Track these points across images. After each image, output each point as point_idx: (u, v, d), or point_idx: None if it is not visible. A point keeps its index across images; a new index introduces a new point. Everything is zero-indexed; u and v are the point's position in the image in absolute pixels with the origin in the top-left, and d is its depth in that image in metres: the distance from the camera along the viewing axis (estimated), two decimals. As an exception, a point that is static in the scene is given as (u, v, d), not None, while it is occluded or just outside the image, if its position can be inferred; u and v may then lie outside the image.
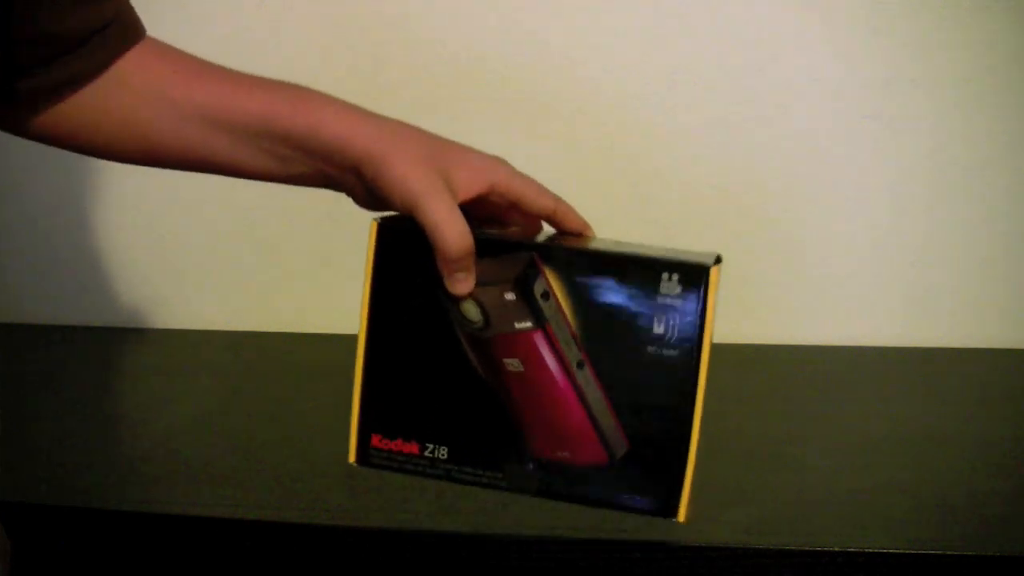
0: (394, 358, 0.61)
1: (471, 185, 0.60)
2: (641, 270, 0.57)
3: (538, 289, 0.58)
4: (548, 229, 0.64)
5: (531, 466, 0.59)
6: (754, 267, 1.07)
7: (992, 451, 0.79)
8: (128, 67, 0.64)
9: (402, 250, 0.60)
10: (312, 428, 0.86)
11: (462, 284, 0.59)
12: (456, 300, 0.59)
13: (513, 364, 0.59)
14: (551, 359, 0.59)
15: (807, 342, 1.07)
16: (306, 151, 0.62)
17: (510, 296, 0.59)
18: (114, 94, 0.64)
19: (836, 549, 0.64)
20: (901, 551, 0.63)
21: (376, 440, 0.61)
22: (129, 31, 0.65)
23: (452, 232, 0.57)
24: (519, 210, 0.62)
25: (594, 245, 0.60)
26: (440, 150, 0.61)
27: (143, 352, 1.13)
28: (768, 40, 1.04)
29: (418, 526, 0.69)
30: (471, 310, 0.59)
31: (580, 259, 0.58)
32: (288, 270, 1.15)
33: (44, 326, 1.19)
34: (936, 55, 1.02)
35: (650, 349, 0.57)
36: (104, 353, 1.11)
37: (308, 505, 0.71)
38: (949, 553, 0.63)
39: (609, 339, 0.58)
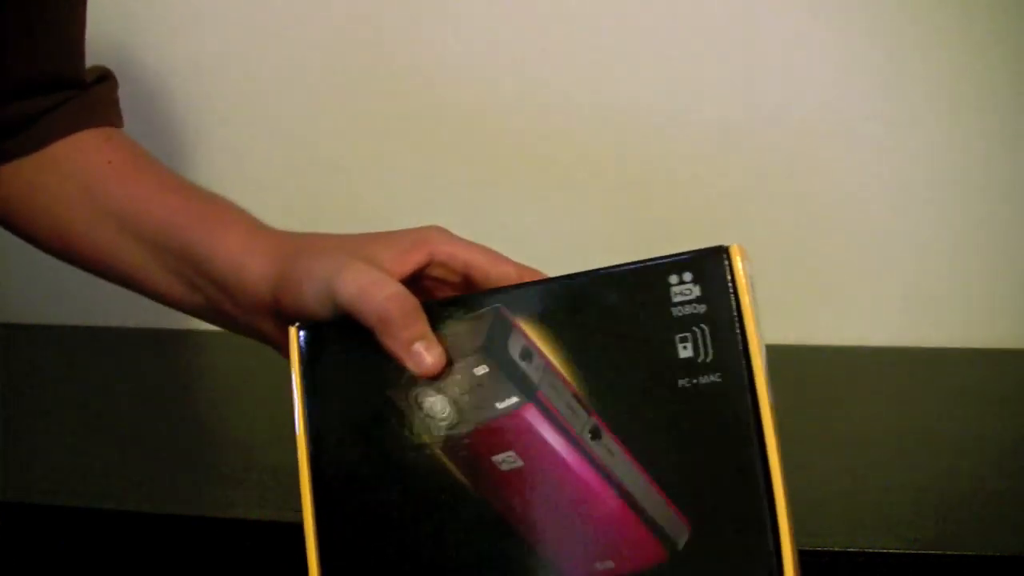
0: (351, 500, 0.46)
1: (404, 260, 0.49)
2: (641, 281, 0.44)
3: (514, 349, 0.44)
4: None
5: None
6: (753, 267, 1.07)
7: (992, 451, 0.79)
8: (65, 152, 0.60)
9: (332, 354, 0.47)
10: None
11: (427, 356, 0.45)
12: (415, 397, 0.45)
13: (507, 460, 0.44)
14: (554, 436, 0.43)
15: (807, 342, 1.07)
16: (203, 275, 0.54)
17: (481, 370, 0.44)
18: (46, 178, 0.60)
19: (836, 549, 0.64)
20: (901, 551, 0.63)
21: None
22: (82, 116, 0.61)
23: (382, 292, 0.46)
24: (473, 284, 0.50)
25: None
26: (358, 241, 0.51)
27: (143, 352, 1.13)
28: (768, 40, 1.04)
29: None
30: (434, 404, 0.45)
31: (559, 293, 0.45)
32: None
33: (44, 326, 1.19)
34: (936, 55, 1.02)
35: (682, 382, 0.43)
36: (104, 353, 1.11)
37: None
38: (949, 553, 0.63)
39: (624, 386, 0.44)
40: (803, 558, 0.65)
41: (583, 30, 1.06)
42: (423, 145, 1.09)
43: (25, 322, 1.18)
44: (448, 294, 0.50)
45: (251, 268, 0.52)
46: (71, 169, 0.60)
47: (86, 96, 0.62)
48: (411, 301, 0.46)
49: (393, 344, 0.45)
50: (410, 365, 0.45)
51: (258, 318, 0.53)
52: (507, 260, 0.50)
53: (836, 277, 1.07)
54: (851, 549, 0.64)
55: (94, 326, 1.18)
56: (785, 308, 1.08)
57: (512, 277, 0.49)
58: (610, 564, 0.42)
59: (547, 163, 1.08)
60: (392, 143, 1.09)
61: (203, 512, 0.71)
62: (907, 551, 0.63)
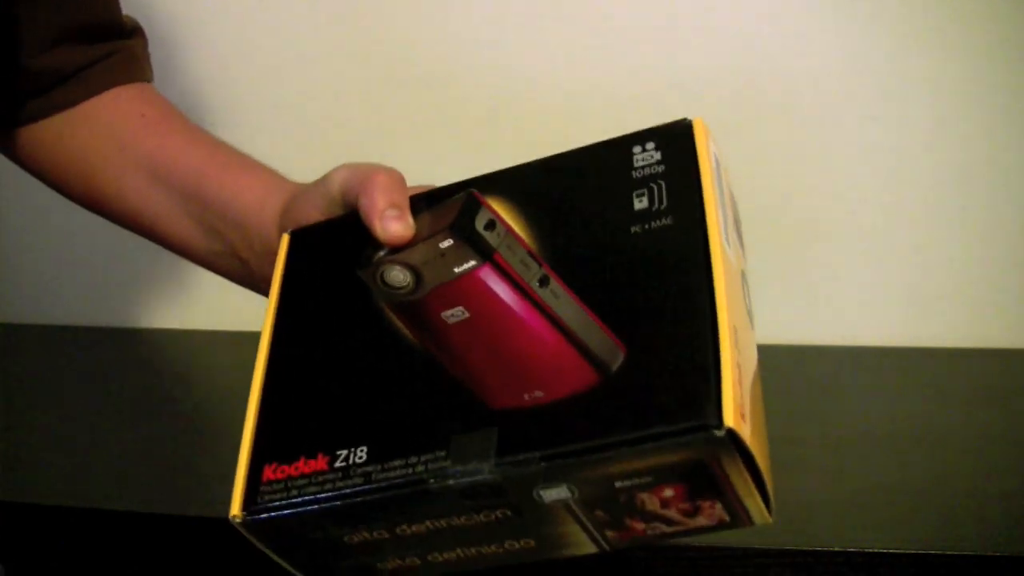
0: (296, 370, 0.47)
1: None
2: (607, 152, 0.47)
3: (480, 222, 0.46)
4: None
5: (488, 429, 0.42)
6: (754, 267, 1.07)
7: (992, 451, 0.79)
8: (100, 106, 0.63)
9: (316, 250, 0.50)
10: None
11: (395, 223, 0.47)
12: (381, 271, 0.46)
13: (454, 315, 0.45)
14: (503, 288, 0.45)
15: (807, 342, 1.07)
16: (227, 219, 0.57)
17: (447, 243, 0.46)
18: (77, 131, 0.62)
19: (836, 549, 0.64)
20: (901, 551, 0.63)
21: (269, 472, 0.45)
22: (119, 72, 0.64)
23: (373, 167, 0.49)
24: None
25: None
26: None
27: (143, 352, 1.13)
28: (768, 40, 1.04)
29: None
30: (397, 275, 0.46)
31: (532, 171, 0.48)
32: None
33: (44, 326, 1.19)
34: (936, 55, 1.02)
35: (635, 228, 0.44)
36: (104, 353, 1.11)
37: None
38: (949, 553, 0.63)
39: (578, 237, 0.45)
40: (803, 558, 0.65)
41: (580, 31, 1.06)
42: (430, 130, 1.09)
43: (25, 322, 1.18)
44: None
45: (270, 206, 0.55)
46: (105, 123, 0.62)
47: (123, 51, 0.64)
48: (398, 175, 0.49)
49: (369, 206, 0.47)
50: (378, 230, 0.47)
51: (271, 262, 0.53)
52: None
53: (836, 277, 1.07)
54: (851, 549, 0.64)
55: (94, 326, 1.18)
56: (785, 308, 1.08)
57: None
58: (539, 393, 0.42)
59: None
60: (402, 131, 1.09)
61: (203, 512, 0.71)
62: (907, 551, 0.64)
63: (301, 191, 0.54)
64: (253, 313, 1.26)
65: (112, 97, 0.63)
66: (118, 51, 0.64)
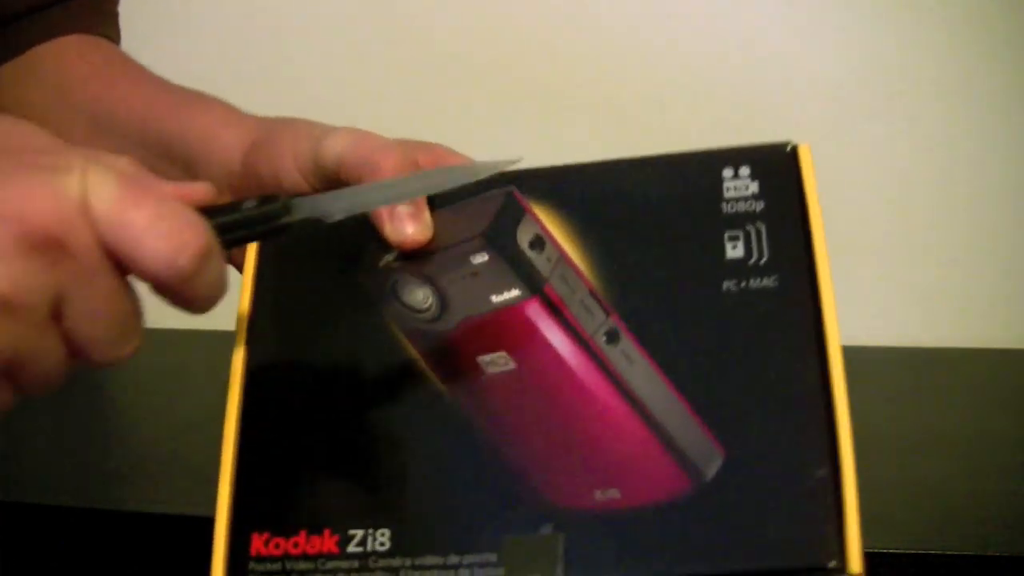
0: (285, 403, 0.38)
1: (411, 156, 0.42)
2: (688, 171, 0.37)
3: (524, 237, 0.37)
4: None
5: (548, 528, 0.33)
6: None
7: (992, 451, 0.79)
8: (46, 56, 0.56)
9: (300, 242, 0.39)
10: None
11: (410, 223, 0.38)
12: (395, 283, 0.37)
13: (495, 362, 0.36)
14: (560, 337, 0.35)
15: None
16: (171, 156, 0.49)
17: (480, 259, 0.37)
18: (19, 82, 0.57)
19: (836, 549, 0.64)
20: (901, 551, 0.63)
21: (259, 543, 0.36)
22: (69, 20, 0.57)
23: (375, 145, 0.40)
24: None
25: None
26: (342, 128, 0.44)
27: (143, 352, 1.13)
28: (768, 40, 1.04)
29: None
30: (415, 293, 0.37)
31: (588, 178, 0.38)
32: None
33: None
34: (936, 55, 1.02)
35: (728, 285, 0.36)
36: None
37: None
38: (949, 553, 0.63)
39: (655, 285, 0.36)
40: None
41: (579, 31, 1.06)
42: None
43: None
44: None
45: (223, 138, 0.47)
46: (50, 71, 0.56)
47: (78, 2, 0.57)
48: (411, 159, 0.39)
49: (381, 212, 0.38)
50: (388, 229, 0.38)
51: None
52: None
53: (836, 277, 1.07)
54: (851, 549, 0.64)
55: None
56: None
57: None
58: (615, 493, 0.34)
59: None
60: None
61: (203, 512, 0.71)
62: (907, 551, 0.63)
63: (276, 134, 0.45)
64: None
65: (59, 47, 0.56)
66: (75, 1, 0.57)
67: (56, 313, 0.34)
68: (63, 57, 0.57)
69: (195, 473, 0.77)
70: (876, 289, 1.07)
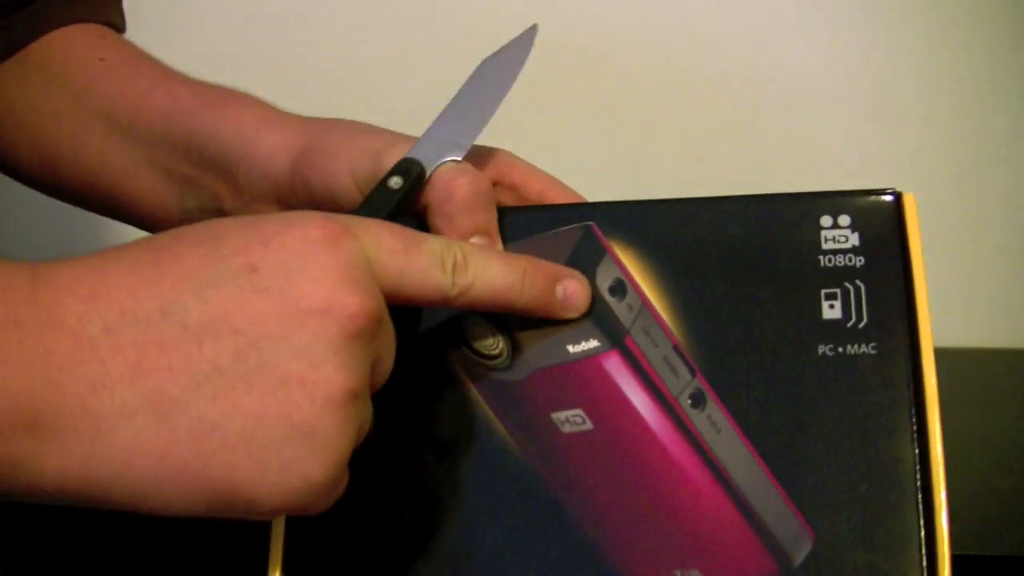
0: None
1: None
2: (784, 216, 0.35)
3: (604, 280, 0.34)
4: None
5: None
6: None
7: (992, 451, 0.79)
8: (53, 49, 0.53)
9: None
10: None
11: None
12: (459, 320, 0.36)
13: (571, 420, 0.33)
14: (640, 397, 0.32)
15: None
16: (205, 160, 0.47)
17: None
18: (27, 80, 0.53)
19: (836, 549, 0.64)
20: (901, 551, 0.63)
21: None
22: (69, 8, 0.54)
23: (446, 169, 0.40)
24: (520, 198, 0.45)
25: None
26: (406, 136, 0.44)
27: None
28: (767, 39, 1.04)
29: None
30: (484, 336, 0.35)
31: (675, 217, 0.34)
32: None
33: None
34: (936, 55, 1.02)
35: (823, 349, 0.34)
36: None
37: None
38: (949, 553, 0.63)
39: (745, 345, 0.33)
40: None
41: (578, 31, 1.06)
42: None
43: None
44: None
45: (267, 139, 0.45)
46: (57, 70, 0.52)
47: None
48: (485, 184, 0.39)
49: (449, 230, 0.38)
50: None
51: (261, 205, 0.46)
52: (581, 197, 0.44)
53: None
54: (851, 549, 0.64)
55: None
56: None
57: (554, 193, 0.43)
58: (696, 574, 0.31)
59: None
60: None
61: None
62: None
63: (329, 142, 0.44)
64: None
65: (64, 38, 0.53)
66: None
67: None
68: (71, 53, 0.53)
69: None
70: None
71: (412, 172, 0.40)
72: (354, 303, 0.31)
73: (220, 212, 0.48)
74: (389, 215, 0.38)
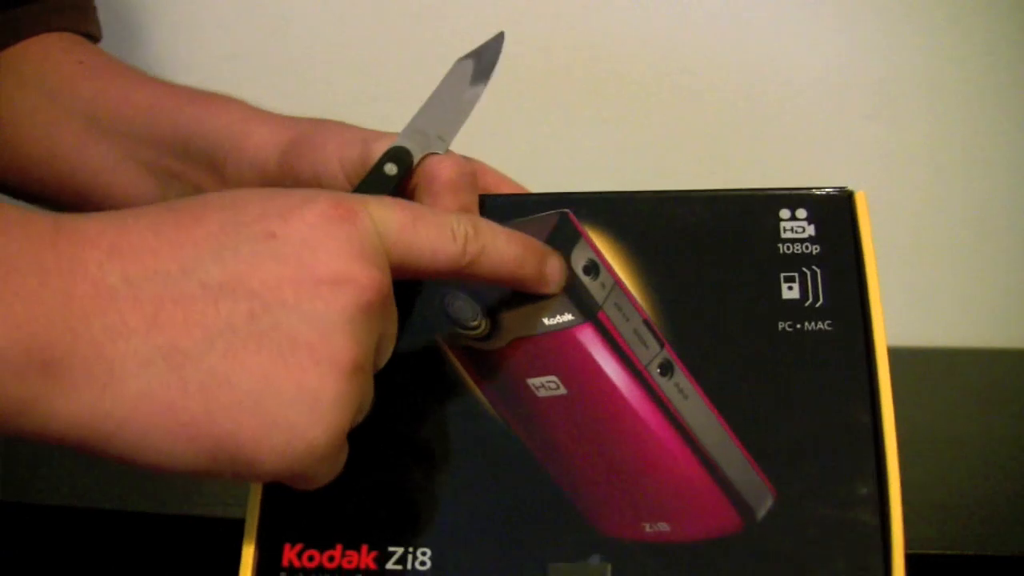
0: None
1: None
2: (746, 208, 0.39)
3: (578, 260, 0.37)
4: None
5: (596, 559, 0.33)
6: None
7: (992, 451, 0.79)
8: (28, 53, 0.54)
9: None
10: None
11: None
12: (441, 294, 0.38)
13: (546, 386, 0.35)
14: (612, 365, 0.35)
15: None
16: (190, 154, 0.49)
17: None
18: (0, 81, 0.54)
19: (836, 549, 0.64)
20: (901, 551, 0.63)
21: (290, 554, 0.35)
22: (46, 17, 0.55)
23: (443, 161, 0.42)
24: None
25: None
26: (382, 132, 0.46)
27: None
28: (767, 39, 1.04)
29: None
30: (465, 309, 0.37)
31: (646, 206, 0.39)
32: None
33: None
34: (936, 55, 1.02)
35: (783, 325, 0.37)
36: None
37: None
38: (949, 553, 0.63)
39: (710, 319, 0.36)
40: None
41: (578, 31, 1.06)
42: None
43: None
44: None
45: (255, 133, 0.48)
46: (34, 70, 0.53)
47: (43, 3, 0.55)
48: (468, 167, 0.42)
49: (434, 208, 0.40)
50: None
51: None
52: (518, 186, 0.47)
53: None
54: (851, 549, 0.64)
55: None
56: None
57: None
58: (664, 527, 0.34)
59: (543, 169, 1.08)
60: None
61: (202, 512, 0.71)
62: (907, 551, 0.63)
63: (317, 135, 0.46)
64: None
65: (40, 44, 0.54)
66: None
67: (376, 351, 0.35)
68: (47, 56, 0.55)
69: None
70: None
71: (404, 160, 0.42)
72: (366, 276, 0.33)
73: None
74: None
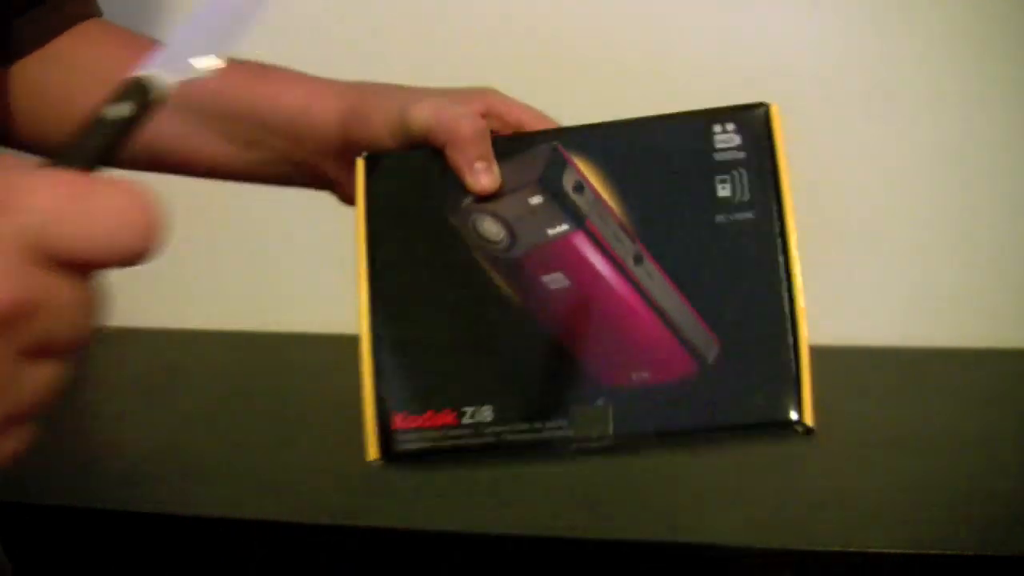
0: (406, 315, 0.49)
1: (467, 104, 0.51)
2: (688, 127, 0.48)
3: (568, 182, 0.48)
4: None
5: (601, 401, 0.47)
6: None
7: (992, 451, 0.79)
8: (67, 45, 0.58)
9: (396, 182, 0.51)
10: (311, 428, 0.86)
11: (485, 175, 0.49)
12: (473, 220, 0.48)
13: (555, 280, 0.48)
14: (600, 261, 0.48)
15: (807, 342, 1.07)
16: (268, 128, 0.55)
17: (536, 200, 0.48)
18: (52, 73, 0.57)
19: (836, 549, 0.64)
20: (901, 551, 0.63)
21: (399, 420, 0.48)
22: (76, 6, 0.59)
23: (453, 115, 0.49)
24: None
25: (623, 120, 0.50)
26: (421, 90, 0.53)
27: (143, 352, 1.13)
28: (767, 40, 1.04)
29: (417, 525, 0.69)
30: (491, 228, 0.48)
31: (614, 134, 0.49)
32: (287, 270, 1.15)
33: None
34: (937, 54, 1.02)
35: (719, 218, 0.47)
36: (104, 353, 1.11)
37: (308, 505, 0.71)
38: (949, 553, 0.63)
39: (667, 219, 0.48)
40: (803, 558, 0.65)
41: (577, 30, 1.06)
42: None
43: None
44: None
45: (319, 108, 0.54)
46: (84, 62, 0.58)
47: None
48: (481, 123, 0.49)
49: (460, 158, 0.49)
50: (470, 181, 0.49)
51: (322, 159, 0.55)
52: (552, 121, 0.54)
53: (836, 277, 1.07)
54: (851, 549, 0.64)
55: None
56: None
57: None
58: (645, 374, 0.46)
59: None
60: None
61: (202, 512, 0.71)
62: (907, 551, 0.64)
63: (367, 104, 0.52)
64: (252, 314, 1.26)
65: (78, 34, 0.58)
66: None
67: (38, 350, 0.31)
68: (87, 41, 0.58)
69: (195, 473, 0.77)
70: (876, 289, 1.07)
71: (140, 95, 0.36)
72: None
73: (290, 162, 0.56)
74: (106, 151, 0.35)
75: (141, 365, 1.10)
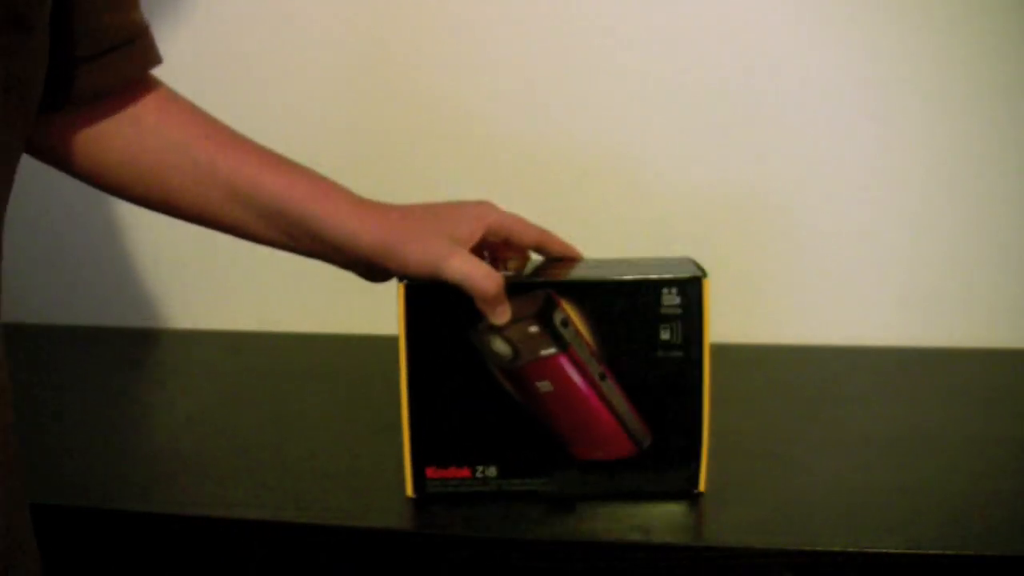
0: (435, 399, 0.69)
1: (473, 233, 0.68)
2: (643, 289, 0.68)
3: (557, 319, 0.67)
4: (536, 257, 0.73)
5: (574, 469, 0.70)
6: (753, 267, 1.07)
7: (992, 451, 0.79)
8: (144, 108, 0.67)
9: (430, 306, 0.68)
10: (312, 428, 0.86)
11: (502, 314, 0.67)
12: (487, 339, 0.67)
13: (544, 385, 0.68)
14: (576, 376, 0.68)
15: (807, 342, 1.07)
16: (316, 238, 0.68)
17: (534, 329, 0.67)
18: (135, 133, 0.67)
19: (836, 549, 0.64)
20: (901, 551, 0.63)
21: (430, 472, 0.70)
22: (149, 53, 0.68)
23: (482, 276, 0.65)
24: (510, 244, 0.71)
25: (597, 273, 0.69)
26: (439, 218, 0.69)
27: (144, 352, 1.13)
28: (765, 40, 1.04)
29: (417, 526, 0.69)
30: (501, 347, 0.68)
31: (590, 289, 0.68)
32: (287, 270, 1.15)
33: (44, 326, 1.19)
34: (935, 55, 1.02)
35: (660, 353, 0.68)
36: (104, 353, 1.11)
37: (308, 505, 0.71)
38: (949, 553, 0.63)
39: (624, 351, 0.68)
40: (803, 558, 0.65)
41: (577, 30, 1.06)
42: (420, 145, 1.09)
43: (26, 322, 1.18)
44: (492, 249, 0.71)
45: (362, 237, 0.67)
46: (164, 132, 0.68)
47: (145, 34, 0.68)
48: (500, 280, 0.67)
49: (487, 308, 0.67)
50: (493, 319, 0.67)
51: (354, 266, 0.70)
52: (534, 227, 0.71)
53: (835, 277, 1.07)
54: (851, 549, 0.64)
55: (94, 326, 1.18)
56: (784, 308, 1.08)
57: (536, 239, 0.71)
58: (600, 453, 0.70)
59: (544, 166, 1.08)
60: (391, 145, 1.09)
61: (203, 512, 0.71)
62: (907, 551, 0.63)
63: (407, 248, 0.67)
64: (252, 314, 1.26)
65: (154, 101, 0.68)
66: (143, 31, 0.67)
67: None
68: (162, 109, 0.68)
69: (195, 473, 0.77)
70: (873, 289, 1.07)
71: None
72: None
73: (318, 256, 0.70)
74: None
75: (142, 365, 1.10)
